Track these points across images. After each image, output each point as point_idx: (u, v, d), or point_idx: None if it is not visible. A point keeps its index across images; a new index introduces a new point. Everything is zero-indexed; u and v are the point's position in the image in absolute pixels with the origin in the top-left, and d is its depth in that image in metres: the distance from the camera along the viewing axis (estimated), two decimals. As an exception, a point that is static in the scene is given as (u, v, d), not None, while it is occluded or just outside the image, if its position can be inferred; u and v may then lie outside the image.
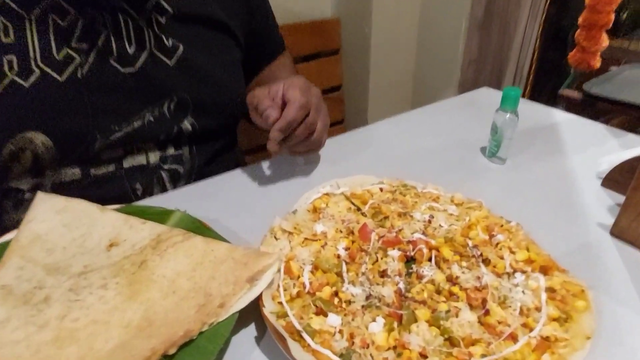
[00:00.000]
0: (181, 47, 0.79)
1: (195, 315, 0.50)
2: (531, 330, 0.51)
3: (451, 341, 0.49)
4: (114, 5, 0.72)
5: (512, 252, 0.62)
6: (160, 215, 0.65)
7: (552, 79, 2.31)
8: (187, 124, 0.82)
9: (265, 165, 0.88)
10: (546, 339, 0.50)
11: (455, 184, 0.75)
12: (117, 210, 0.65)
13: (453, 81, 1.70)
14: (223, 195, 0.78)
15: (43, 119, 0.68)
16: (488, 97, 1.29)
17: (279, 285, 0.54)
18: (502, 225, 0.66)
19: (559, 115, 1.17)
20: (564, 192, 0.85)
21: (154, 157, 0.81)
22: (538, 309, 0.54)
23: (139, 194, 0.80)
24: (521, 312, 0.53)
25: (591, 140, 1.05)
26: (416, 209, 0.70)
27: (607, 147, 1.01)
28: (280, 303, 0.53)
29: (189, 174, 0.86)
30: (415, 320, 0.51)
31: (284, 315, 0.51)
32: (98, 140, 0.73)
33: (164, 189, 0.83)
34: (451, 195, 0.73)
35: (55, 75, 0.68)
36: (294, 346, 0.47)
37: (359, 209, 0.70)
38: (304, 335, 0.48)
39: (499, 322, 0.52)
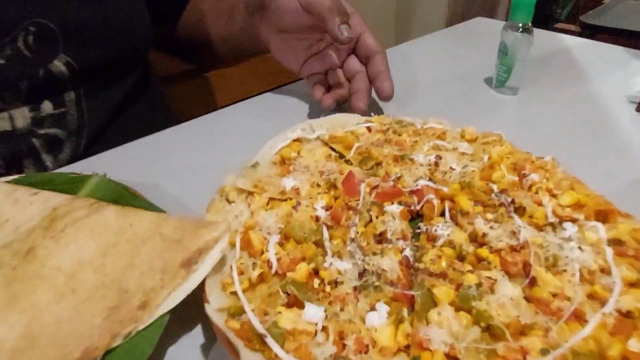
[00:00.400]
0: None
1: (103, 323, 0.33)
2: (603, 304, 0.35)
3: (491, 332, 0.33)
4: None
5: (554, 196, 0.45)
6: (71, 184, 0.47)
7: (546, 14, 2.14)
8: (58, 64, 0.61)
9: (214, 116, 0.69)
10: (627, 314, 0.34)
11: (460, 122, 0.59)
12: (13, 180, 0.47)
13: (440, 18, 1.50)
14: (165, 154, 0.60)
15: None
16: (484, 26, 1.11)
17: (232, 268, 0.37)
18: (533, 162, 0.49)
19: (572, 41, 1.00)
20: (594, 121, 0.69)
21: (22, 119, 0.61)
22: (605, 272, 0.37)
23: (2, 172, 0.60)
24: (582, 278, 0.37)
25: (613, 63, 0.89)
26: (417, 150, 0.52)
27: (631, 68, 0.86)
28: (235, 294, 0.36)
29: (77, 139, 0.65)
30: (435, 304, 0.35)
31: (240, 312, 0.34)
32: None
33: (38, 162, 0.63)
34: (461, 130, 0.56)
35: None
36: (251, 358, 0.31)
37: (341, 156, 0.53)
38: (269, 341, 0.32)
39: (554, 296, 0.36)
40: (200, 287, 0.36)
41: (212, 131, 0.65)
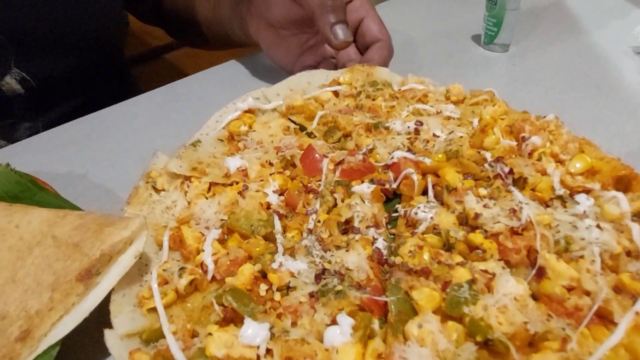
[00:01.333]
0: None
1: (-33, 364, 0.24)
2: (634, 298, 0.26)
3: (491, 348, 0.24)
4: None
5: (560, 162, 0.37)
6: (-32, 178, 0.38)
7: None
8: (11, 81, 0.52)
9: (156, 93, 0.59)
10: (668, 311, 0.26)
11: (447, 82, 0.50)
12: None
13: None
14: (96, 139, 0.51)
15: None
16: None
17: (152, 277, 0.29)
18: (532, 123, 0.40)
19: (564, -9, 0.91)
20: (597, 75, 0.60)
21: None
22: (633, 254, 0.29)
23: None
24: (604, 265, 0.29)
25: (609, 12, 0.80)
26: (394, 116, 0.43)
27: (632, 18, 0.77)
28: (155, 310, 0.27)
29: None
30: (415, 313, 0.26)
31: (157, 336, 0.26)
32: None
33: None
34: (445, 90, 0.47)
35: None
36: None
37: (302, 129, 0.44)
38: (191, 376, 0.23)
39: (569, 290, 0.28)
40: (106, 306, 0.27)
41: (153, 110, 0.55)
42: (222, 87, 0.59)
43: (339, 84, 0.47)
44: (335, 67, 0.53)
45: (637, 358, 0.24)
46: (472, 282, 0.27)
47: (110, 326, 0.26)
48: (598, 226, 0.30)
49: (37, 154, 0.48)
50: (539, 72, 0.62)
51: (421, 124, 0.41)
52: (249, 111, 0.44)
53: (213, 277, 0.30)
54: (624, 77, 0.60)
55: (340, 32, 0.46)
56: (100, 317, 0.27)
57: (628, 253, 0.29)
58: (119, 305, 0.27)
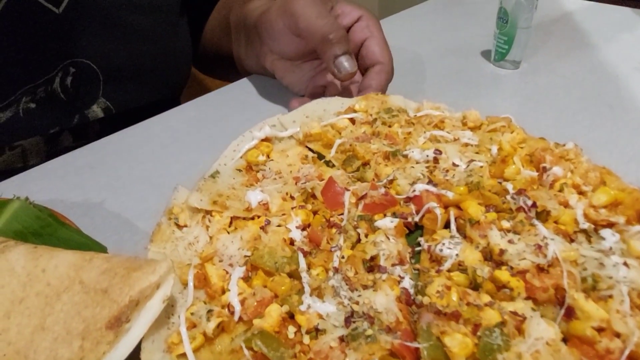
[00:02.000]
0: None
1: (-1, 418, 0.24)
2: (667, 341, 0.26)
3: (527, 398, 0.24)
4: None
5: (582, 194, 0.37)
6: (-14, 212, 0.38)
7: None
8: (97, 110, 0.54)
9: (172, 114, 0.59)
10: (701, 356, 0.26)
11: (457, 102, 0.50)
12: None
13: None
14: (111, 164, 0.51)
15: None
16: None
17: (180, 321, 0.29)
18: (552, 151, 0.40)
19: (570, 4, 0.91)
20: (609, 93, 0.60)
21: (37, 156, 0.53)
22: (663, 294, 0.29)
23: None
24: (632, 304, 0.29)
25: (619, 26, 0.81)
26: (411, 143, 0.43)
27: (642, 31, 0.77)
28: (184, 356, 0.27)
29: None
30: (446, 359, 0.26)
31: (189, 383, 0.26)
32: None
33: None
34: (462, 115, 0.47)
35: None
36: None
37: (320, 157, 0.44)
38: None
39: (599, 331, 0.27)
40: (137, 351, 0.27)
41: (167, 133, 0.55)
42: (234, 108, 0.59)
43: (355, 111, 0.47)
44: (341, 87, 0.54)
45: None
46: (502, 324, 0.27)
47: (140, 374, 0.26)
48: (625, 263, 0.30)
49: (53, 179, 0.48)
50: (551, 91, 0.62)
51: (440, 152, 0.41)
52: (266, 139, 0.44)
53: (240, 318, 0.30)
54: (636, 95, 0.60)
55: (344, 64, 0.47)
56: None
57: (658, 292, 0.29)
58: (149, 352, 0.27)
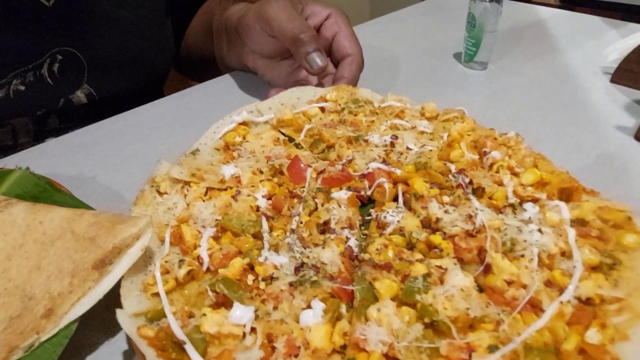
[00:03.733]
0: None
1: (0, 336, 0.29)
2: (561, 291, 0.31)
3: (436, 328, 0.29)
4: None
5: (515, 175, 0.42)
6: (-8, 180, 0.43)
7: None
8: (80, 95, 0.59)
9: (160, 103, 0.64)
10: (587, 302, 0.31)
11: (427, 98, 0.55)
12: None
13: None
14: (104, 145, 0.56)
15: None
16: (456, 1, 1.07)
17: (155, 267, 0.34)
18: (495, 139, 0.45)
19: (543, 12, 0.97)
20: (566, 93, 0.65)
21: (24, 133, 0.58)
22: (566, 255, 0.34)
23: None
24: (541, 263, 0.34)
25: (586, 33, 0.86)
26: (373, 130, 0.49)
27: (606, 38, 0.82)
28: (157, 295, 0.32)
29: None
30: (376, 300, 0.31)
31: (159, 316, 0.31)
32: None
33: None
34: (421, 107, 0.52)
35: None
36: (166, 371, 0.27)
37: (291, 140, 0.49)
38: (188, 348, 0.28)
39: (509, 284, 0.33)
40: (117, 292, 0.32)
41: (156, 118, 0.60)
42: (218, 99, 0.64)
43: (326, 100, 0.52)
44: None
45: (557, 339, 0.29)
46: (427, 275, 0.32)
47: (119, 307, 0.31)
48: (540, 230, 0.35)
49: (51, 157, 0.53)
50: (513, 90, 0.67)
51: (397, 137, 0.46)
52: (244, 123, 0.49)
53: (207, 269, 0.35)
54: (590, 95, 0.65)
55: (316, 59, 0.52)
56: (109, 300, 0.32)
57: (563, 253, 0.34)
58: (127, 290, 0.32)
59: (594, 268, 0.33)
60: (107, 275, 0.31)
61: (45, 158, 0.54)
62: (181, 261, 0.34)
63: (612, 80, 0.68)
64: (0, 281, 0.32)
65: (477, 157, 0.44)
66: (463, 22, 0.72)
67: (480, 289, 0.33)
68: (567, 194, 0.39)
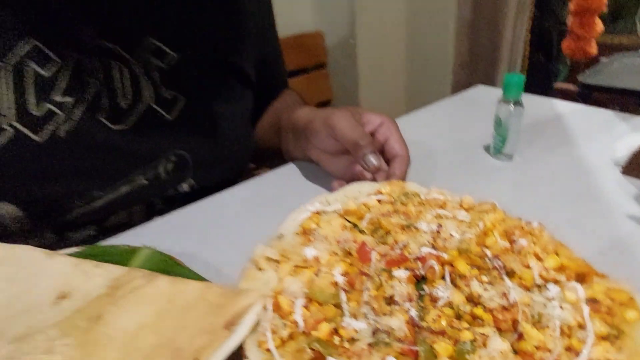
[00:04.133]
0: (184, 100, 0.70)
1: (161, 378, 0.40)
2: (577, 354, 0.41)
3: (482, 380, 0.39)
4: (103, 47, 0.62)
5: (540, 259, 0.52)
6: (124, 255, 0.55)
7: (543, 76, 2.25)
8: (184, 186, 0.73)
9: (243, 187, 0.78)
10: (599, 364, 0.41)
11: (462, 187, 0.67)
12: (76, 253, 0.55)
13: (446, 84, 1.62)
14: (200, 225, 0.69)
15: (11, 187, 0.58)
16: (485, 94, 1.21)
17: (265, 328, 0.45)
18: (522, 228, 0.56)
19: (562, 106, 1.10)
20: (581, 184, 0.76)
21: (140, 216, 0.71)
22: (582, 327, 0.44)
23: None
24: (562, 333, 0.44)
25: (601, 127, 0.98)
26: (421, 218, 0.60)
27: (619, 132, 0.94)
28: (269, 350, 0.43)
29: None
30: (435, 357, 0.41)
31: (273, 366, 0.42)
32: (77, 207, 0.63)
33: None
34: (459, 199, 0.64)
35: (31, 135, 0.58)
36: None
37: (355, 226, 0.61)
38: (299, 390, 0.39)
39: (537, 348, 0.42)
40: (240, 347, 0.43)
41: (241, 202, 0.74)
42: (289, 185, 0.77)
43: (381, 193, 0.64)
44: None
45: (576, 391, 0.38)
46: (473, 340, 0.42)
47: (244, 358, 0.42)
48: (560, 306, 0.45)
49: (159, 234, 0.66)
50: (536, 180, 0.78)
51: (441, 226, 0.58)
52: (317, 212, 0.62)
53: (302, 331, 0.45)
54: (602, 185, 0.75)
55: (372, 160, 0.65)
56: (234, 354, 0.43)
57: (579, 325, 0.44)
58: (248, 345, 0.43)
59: (603, 337, 0.43)
60: (234, 334, 0.43)
61: (153, 235, 0.67)
62: (284, 324, 0.45)
63: (623, 172, 0.78)
64: (155, 337, 0.43)
65: (508, 244, 0.54)
66: (490, 115, 0.84)
67: (515, 352, 0.42)
68: (582, 277, 0.49)
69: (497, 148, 0.84)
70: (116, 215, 0.69)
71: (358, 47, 1.60)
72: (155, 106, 0.67)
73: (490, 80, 1.65)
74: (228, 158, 0.79)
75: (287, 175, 0.81)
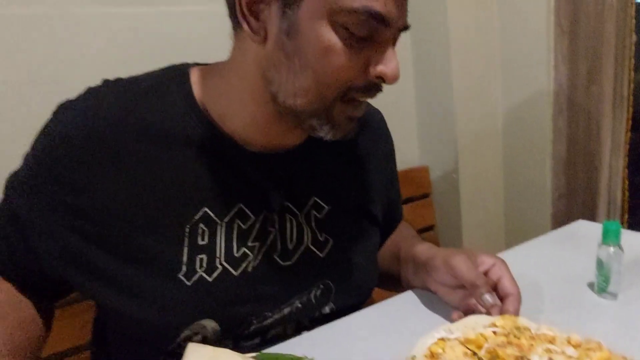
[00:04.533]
0: (332, 241, 0.89)
1: None
2: None
3: None
4: (283, 205, 0.85)
5: (643, 396, 0.61)
6: (291, 362, 0.72)
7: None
8: (327, 309, 0.89)
9: (373, 310, 0.93)
10: None
11: (566, 322, 0.76)
12: (256, 356, 0.73)
13: (545, 215, 1.72)
14: (339, 340, 0.84)
15: (218, 309, 0.78)
16: (585, 229, 1.29)
17: None
18: (626, 366, 0.65)
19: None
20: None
21: (291, 330, 0.88)
22: None
23: None
24: None
25: None
26: (533, 352, 0.71)
27: None
28: None
29: None
30: None
31: None
32: (254, 324, 0.82)
33: None
34: (567, 336, 0.74)
35: (232, 270, 0.80)
36: None
37: (475, 354, 0.73)
38: None
39: None
40: None
41: (370, 324, 0.89)
42: (411, 310, 0.91)
43: (496, 326, 0.76)
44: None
45: None
46: None
47: None
48: None
49: (305, 347, 0.82)
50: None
51: None
52: (441, 339, 0.75)
53: None
54: None
55: (488, 299, 0.78)
56: None
57: None
58: None
59: None
60: None
61: (303, 347, 0.82)
62: None
63: None
64: None
65: (614, 381, 0.64)
66: (592, 250, 0.92)
67: None
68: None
69: (601, 287, 0.93)
70: (275, 329, 0.87)
71: (460, 181, 1.78)
72: (311, 247, 0.87)
73: (590, 211, 1.71)
74: (361, 285, 0.95)
75: (409, 301, 0.95)
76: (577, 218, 1.35)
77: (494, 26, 1.79)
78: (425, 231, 1.86)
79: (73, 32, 1.21)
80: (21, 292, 0.81)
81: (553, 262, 1.11)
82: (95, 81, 0.81)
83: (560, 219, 1.70)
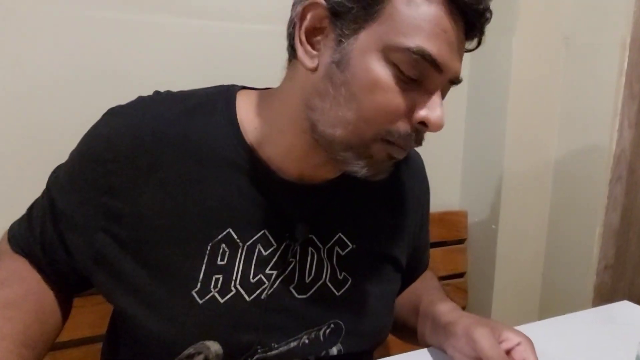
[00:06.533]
0: (350, 281, 0.86)
1: None
2: None
3: None
4: (307, 237, 0.83)
5: None
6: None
7: None
8: (334, 350, 0.85)
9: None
10: None
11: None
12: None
13: (587, 285, 1.61)
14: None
15: (224, 331, 0.76)
16: (630, 313, 1.19)
17: None
18: None
19: None
20: None
21: None
22: None
23: None
24: None
25: None
26: None
27: None
28: None
29: None
30: None
31: None
32: (258, 353, 0.79)
33: None
34: None
35: (245, 295, 0.78)
36: None
37: None
38: None
39: None
40: None
41: None
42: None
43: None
44: None
45: None
46: None
47: None
48: None
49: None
50: None
51: None
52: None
53: None
54: None
55: None
56: None
57: None
58: None
59: None
60: None
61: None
62: None
63: None
64: None
65: None
66: (634, 337, 0.85)
67: None
68: None
69: (640, 383, 0.85)
70: None
71: (499, 232, 1.70)
72: (329, 283, 0.84)
73: (637, 290, 1.60)
74: (373, 331, 0.90)
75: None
76: (622, 295, 1.26)
77: (559, 80, 1.71)
78: (455, 278, 1.78)
79: (135, 39, 1.22)
80: (46, 281, 0.83)
81: (587, 345, 1.02)
82: (150, 90, 0.83)
83: (603, 293, 1.59)
